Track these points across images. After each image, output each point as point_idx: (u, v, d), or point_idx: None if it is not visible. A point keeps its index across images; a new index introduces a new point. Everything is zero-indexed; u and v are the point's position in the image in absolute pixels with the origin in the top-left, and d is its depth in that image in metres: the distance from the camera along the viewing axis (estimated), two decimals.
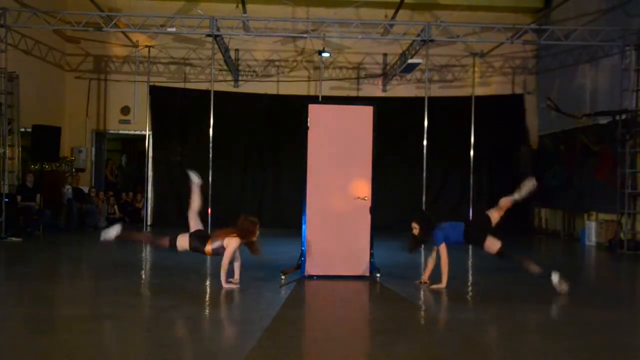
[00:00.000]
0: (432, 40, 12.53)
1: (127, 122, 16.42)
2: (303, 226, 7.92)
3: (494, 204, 16.19)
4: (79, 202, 14.37)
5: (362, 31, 13.10)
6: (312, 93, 16.31)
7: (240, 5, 14.19)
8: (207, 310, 6.07)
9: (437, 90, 16.15)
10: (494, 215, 7.24)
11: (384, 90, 16.58)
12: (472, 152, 14.32)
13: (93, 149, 16.55)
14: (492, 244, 7.12)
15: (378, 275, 7.94)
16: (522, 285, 7.99)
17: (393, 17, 14.47)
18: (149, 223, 15.15)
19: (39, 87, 14.57)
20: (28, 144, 13.66)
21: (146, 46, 15.12)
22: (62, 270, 8.93)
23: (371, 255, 7.94)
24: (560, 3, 14.06)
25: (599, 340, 5.24)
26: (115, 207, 15.72)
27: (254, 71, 16.49)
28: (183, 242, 7.00)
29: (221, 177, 14.08)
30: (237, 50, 16.21)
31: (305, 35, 14.37)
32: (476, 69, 15.66)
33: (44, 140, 13.86)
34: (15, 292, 6.92)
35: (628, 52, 12.36)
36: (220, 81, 15.89)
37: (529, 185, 7.10)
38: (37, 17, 12.84)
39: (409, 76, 16.28)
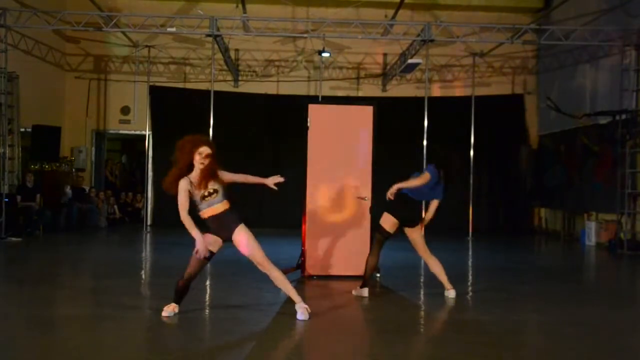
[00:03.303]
0: (432, 40, 12.53)
1: (127, 122, 16.41)
2: (303, 226, 7.92)
3: (493, 204, 16.04)
4: (80, 202, 14.37)
5: (362, 31, 13.09)
6: (312, 93, 16.30)
7: (240, 5, 14.18)
8: (207, 310, 6.07)
9: (437, 90, 16.15)
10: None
11: (384, 90, 16.57)
12: (472, 152, 14.32)
13: (93, 149, 16.55)
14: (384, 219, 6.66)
15: (378, 275, 7.93)
16: (522, 285, 8.00)
17: (393, 17, 14.46)
18: (149, 223, 15.14)
19: (39, 87, 14.57)
20: (28, 144, 13.66)
21: (146, 46, 15.11)
22: (62, 270, 8.92)
23: None
24: (560, 3, 14.05)
25: (599, 340, 5.24)
26: (115, 207, 15.71)
27: (254, 71, 16.49)
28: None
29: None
30: (237, 50, 16.20)
31: (305, 35, 14.37)
32: (476, 69, 15.65)
33: (44, 140, 13.86)
34: (15, 292, 6.92)
35: (628, 52, 12.35)
36: (220, 81, 15.88)
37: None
38: (37, 17, 12.83)
39: (409, 76, 16.27)
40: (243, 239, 5.58)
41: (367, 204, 7.87)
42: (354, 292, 6.81)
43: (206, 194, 5.48)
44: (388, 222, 6.62)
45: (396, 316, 6.09)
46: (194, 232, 5.48)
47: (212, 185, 5.49)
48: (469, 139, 14.29)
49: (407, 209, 6.65)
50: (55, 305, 6.49)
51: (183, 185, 5.44)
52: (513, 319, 5.96)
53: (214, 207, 5.54)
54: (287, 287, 5.61)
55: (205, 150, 5.46)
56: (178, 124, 16.03)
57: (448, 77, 16.67)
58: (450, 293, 6.71)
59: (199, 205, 5.55)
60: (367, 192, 7.91)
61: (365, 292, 6.73)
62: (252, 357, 4.49)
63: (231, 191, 5.64)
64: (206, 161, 5.43)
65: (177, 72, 16.45)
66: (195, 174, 5.48)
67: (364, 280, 6.78)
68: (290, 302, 5.74)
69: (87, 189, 15.48)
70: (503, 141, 16.08)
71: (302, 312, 5.50)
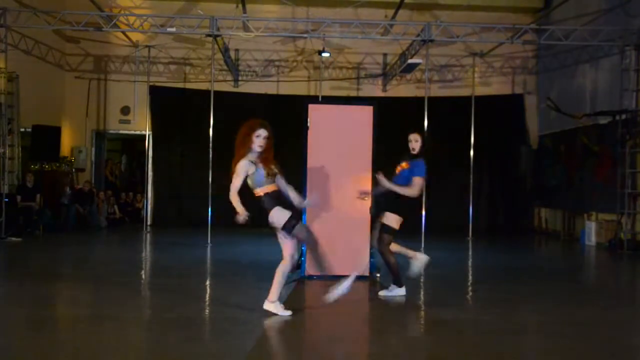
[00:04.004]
0: (432, 40, 12.53)
1: (127, 122, 16.41)
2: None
3: (493, 204, 15.96)
4: (80, 202, 14.36)
5: (362, 31, 13.09)
6: (312, 93, 16.30)
7: (240, 5, 14.18)
8: (207, 310, 6.07)
9: (437, 90, 16.14)
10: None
11: (384, 90, 16.57)
12: (472, 152, 14.32)
13: (93, 149, 16.55)
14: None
15: (378, 275, 7.94)
16: (522, 285, 8.00)
17: (393, 17, 14.46)
18: (149, 223, 15.14)
19: (39, 87, 14.56)
20: (28, 144, 13.66)
21: (146, 46, 15.11)
22: (62, 270, 8.93)
23: (371, 255, 7.93)
24: (560, 3, 14.06)
25: (599, 340, 5.24)
26: (116, 207, 15.71)
27: (254, 71, 16.49)
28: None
29: (221, 177, 13.99)
30: (237, 50, 16.20)
31: (305, 35, 14.36)
32: (476, 69, 15.65)
33: (44, 140, 13.85)
34: (15, 292, 6.92)
35: (628, 52, 12.35)
36: (220, 81, 15.88)
37: None
38: (37, 17, 12.83)
39: (409, 76, 16.27)
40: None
41: (367, 203, 7.87)
42: (385, 293, 6.76)
43: (272, 172, 5.52)
44: (395, 221, 6.65)
45: (396, 316, 6.09)
46: (240, 207, 5.40)
47: (274, 166, 5.55)
48: (469, 139, 14.29)
49: (405, 205, 6.73)
50: (55, 305, 6.49)
51: (243, 166, 5.45)
52: (513, 319, 5.96)
53: (273, 185, 5.55)
54: (276, 284, 5.68)
55: (263, 132, 5.50)
56: (178, 124, 16.15)
57: (448, 77, 16.67)
58: (419, 257, 6.67)
59: (262, 183, 5.51)
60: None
61: (402, 290, 6.72)
62: (252, 357, 4.49)
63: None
64: (264, 143, 5.48)
65: (177, 72, 16.45)
66: (254, 156, 5.50)
67: (398, 279, 6.74)
68: (289, 303, 5.75)
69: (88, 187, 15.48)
70: (503, 141, 16.08)
71: (274, 309, 5.64)
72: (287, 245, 5.64)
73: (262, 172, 5.48)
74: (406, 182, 6.70)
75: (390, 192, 6.65)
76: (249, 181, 5.53)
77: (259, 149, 5.48)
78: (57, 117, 15.49)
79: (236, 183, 5.44)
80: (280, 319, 5.57)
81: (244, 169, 5.44)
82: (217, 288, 7.35)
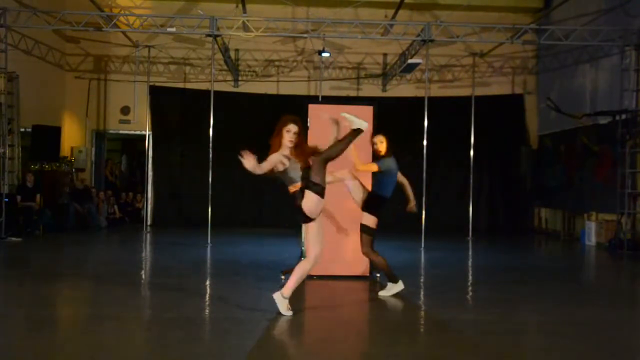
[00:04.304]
0: (432, 40, 12.53)
1: (127, 122, 16.41)
2: (303, 226, 7.90)
3: (493, 204, 16.04)
4: (80, 202, 14.36)
5: (362, 31, 13.10)
6: (312, 93, 16.30)
7: (240, 5, 14.18)
8: (207, 310, 6.07)
9: (437, 90, 16.15)
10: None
11: (384, 90, 16.58)
12: (472, 152, 14.32)
13: (93, 149, 16.55)
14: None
15: (378, 275, 7.94)
16: (522, 285, 8.00)
17: (393, 17, 14.46)
18: (149, 223, 15.14)
19: (39, 87, 14.56)
20: (28, 144, 13.66)
21: (146, 46, 15.11)
22: (62, 270, 8.92)
23: None
24: (560, 3, 14.05)
25: (599, 340, 5.24)
26: (116, 207, 15.71)
27: (254, 71, 16.49)
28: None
29: (221, 177, 14.06)
30: (237, 50, 16.21)
31: (305, 35, 14.37)
32: (476, 69, 15.65)
33: (44, 140, 13.85)
34: (15, 292, 6.92)
35: (628, 52, 12.36)
36: (220, 81, 15.89)
37: None
38: (37, 17, 12.83)
39: (409, 76, 16.27)
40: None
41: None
42: (384, 294, 6.78)
43: (307, 167, 5.60)
44: (372, 221, 6.78)
45: (396, 316, 6.10)
46: (257, 166, 5.45)
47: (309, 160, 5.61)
48: (469, 139, 14.29)
49: (382, 207, 6.85)
50: (55, 305, 6.49)
51: (274, 157, 5.54)
52: (513, 319, 5.97)
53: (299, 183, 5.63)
54: (294, 280, 5.71)
55: (293, 127, 5.62)
56: (178, 124, 16.16)
57: (448, 77, 16.67)
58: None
59: (294, 179, 5.62)
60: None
61: (400, 285, 6.76)
62: (251, 357, 4.49)
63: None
64: (294, 138, 5.59)
65: (177, 72, 16.45)
66: (286, 151, 5.59)
67: (392, 276, 6.79)
68: (289, 303, 5.75)
69: (81, 184, 15.49)
70: (503, 141, 16.09)
71: (280, 305, 5.67)
72: (313, 245, 5.69)
73: (297, 167, 5.59)
74: (379, 183, 6.92)
75: (370, 193, 6.92)
76: (286, 176, 5.63)
77: (289, 144, 5.59)
78: (57, 117, 15.49)
79: (263, 165, 5.49)
80: (281, 319, 5.57)
81: (274, 160, 5.52)
82: (217, 288, 7.36)
